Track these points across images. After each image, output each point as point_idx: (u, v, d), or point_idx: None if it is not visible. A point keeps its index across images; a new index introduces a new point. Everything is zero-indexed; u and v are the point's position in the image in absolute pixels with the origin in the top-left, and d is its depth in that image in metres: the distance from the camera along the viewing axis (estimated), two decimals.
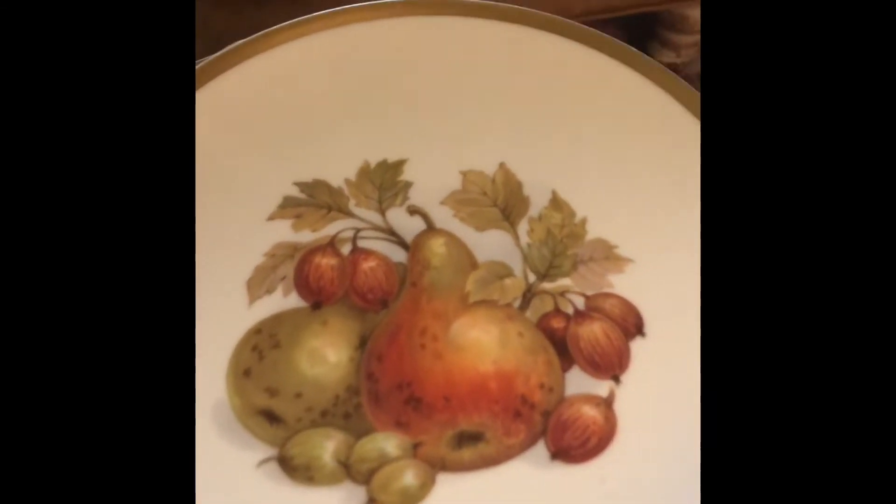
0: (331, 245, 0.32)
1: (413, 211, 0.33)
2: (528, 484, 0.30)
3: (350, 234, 0.33)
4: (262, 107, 0.34)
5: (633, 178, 0.33)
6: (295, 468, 0.30)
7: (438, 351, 0.31)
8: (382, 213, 0.33)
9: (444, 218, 0.33)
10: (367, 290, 0.32)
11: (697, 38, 0.45)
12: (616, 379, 0.31)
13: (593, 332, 0.32)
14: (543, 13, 0.35)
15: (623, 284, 0.32)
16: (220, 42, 0.34)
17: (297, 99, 0.34)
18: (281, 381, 0.31)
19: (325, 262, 0.32)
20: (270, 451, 0.30)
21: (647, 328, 0.32)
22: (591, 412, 0.31)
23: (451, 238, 0.33)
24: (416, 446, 0.30)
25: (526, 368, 0.31)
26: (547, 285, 0.32)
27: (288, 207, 0.33)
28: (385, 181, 0.33)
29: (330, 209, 0.33)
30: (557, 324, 0.32)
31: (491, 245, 0.33)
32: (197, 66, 0.33)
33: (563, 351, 0.32)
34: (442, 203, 0.33)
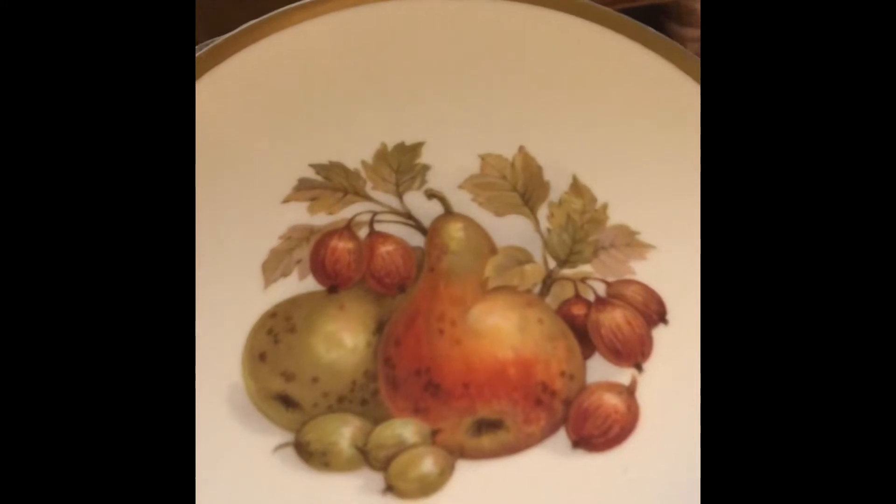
0: (347, 228, 0.32)
1: (431, 195, 0.32)
2: (549, 473, 0.30)
3: (367, 217, 0.32)
4: (278, 88, 0.33)
5: (656, 164, 0.33)
6: (311, 454, 0.29)
7: (457, 337, 0.30)
8: (400, 196, 0.32)
9: (463, 202, 0.32)
10: (384, 275, 0.31)
11: None
12: (638, 367, 0.31)
13: (615, 319, 0.31)
14: None
15: (645, 271, 0.32)
16: (226, 28, 0.34)
17: (313, 80, 0.34)
18: (297, 365, 0.30)
19: (342, 245, 0.32)
20: (286, 436, 0.30)
21: (670, 315, 0.31)
22: (612, 400, 0.30)
23: (470, 223, 0.32)
24: (434, 433, 0.30)
25: (546, 355, 0.30)
26: (567, 272, 0.32)
27: (303, 190, 0.32)
28: (402, 164, 0.33)
29: (346, 192, 0.32)
30: (578, 311, 0.31)
31: (510, 230, 0.32)
32: (212, 46, 0.33)
33: (584, 338, 0.31)
34: (460, 187, 0.32)
